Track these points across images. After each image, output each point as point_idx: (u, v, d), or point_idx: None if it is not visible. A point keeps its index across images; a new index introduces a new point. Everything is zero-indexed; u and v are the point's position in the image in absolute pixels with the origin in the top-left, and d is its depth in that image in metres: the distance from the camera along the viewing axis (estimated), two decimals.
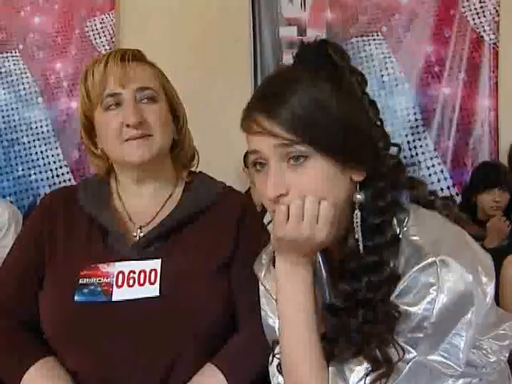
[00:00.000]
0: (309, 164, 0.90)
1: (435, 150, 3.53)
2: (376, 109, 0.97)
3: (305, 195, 0.90)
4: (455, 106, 3.51)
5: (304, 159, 0.90)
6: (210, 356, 1.16)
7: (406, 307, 0.88)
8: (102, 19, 3.73)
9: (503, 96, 3.48)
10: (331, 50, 0.94)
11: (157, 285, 1.16)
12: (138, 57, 1.25)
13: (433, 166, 3.52)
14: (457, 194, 3.44)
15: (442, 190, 3.46)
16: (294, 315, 0.95)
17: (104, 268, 1.19)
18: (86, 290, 1.16)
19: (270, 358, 1.05)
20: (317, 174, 0.90)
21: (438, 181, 3.50)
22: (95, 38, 3.74)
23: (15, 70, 3.79)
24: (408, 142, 3.50)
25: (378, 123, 0.97)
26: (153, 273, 1.17)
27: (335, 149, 0.90)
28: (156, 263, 1.18)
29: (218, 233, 1.24)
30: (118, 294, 1.16)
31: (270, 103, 0.91)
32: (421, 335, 0.87)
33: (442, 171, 3.53)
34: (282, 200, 0.91)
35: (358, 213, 0.93)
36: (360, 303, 0.92)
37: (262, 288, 1.10)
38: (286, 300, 0.96)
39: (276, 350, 1.03)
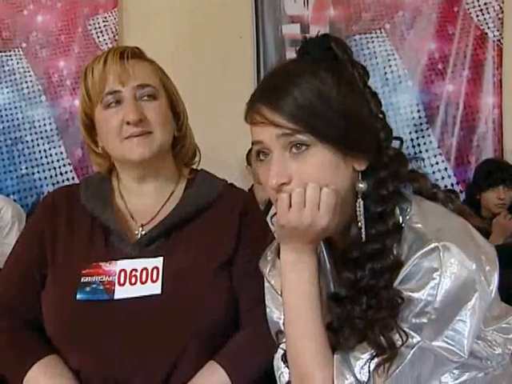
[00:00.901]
0: (310, 153, 0.91)
1: (439, 147, 3.52)
2: (378, 101, 0.98)
3: (306, 183, 0.91)
4: (459, 103, 3.49)
5: (306, 148, 0.91)
6: (213, 353, 1.16)
7: (409, 293, 0.88)
8: (105, 17, 3.73)
9: (507, 93, 3.46)
10: (333, 44, 0.96)
11: (159, 283, 1.16)
12: (137, 54, 1.25)
13: (436, 163, 3.51)
14: (460, 192, 3.42)
15: (445, 187, 3.45)
16: (298, 303, 0.96)
17: (106, 266, 1.19)
18: (88, 289, 1.17)
19: (275, 349, 1.06)
20: (318, 163, 0.91)
21: (442, 178, 3.49)
22: (98, 37, 3.74)
23: (18, 68, 3.80)
24: (411, 140, 3.49)
25: (380, 116, 0.98)
26: (155, 271, 1.17)
27: (336, 138, 0.92)
28: (158, 261, 1.18)
29: (219, 230, 1.23)
30: (120, 293, 1.16)
31: (272, 95, 0.93)
32: (425, 320, 0.88)
33: (445, 169, 3.51)
34: (285, 188, 0.92)
35: (360, 201, 0.94)
36: (363, 290, 0.93)
37: (267, 284, 1.11)
38: (291, 288, 0.97)
39: (281, 340, 1.04)
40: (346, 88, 0.94)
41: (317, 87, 0.92)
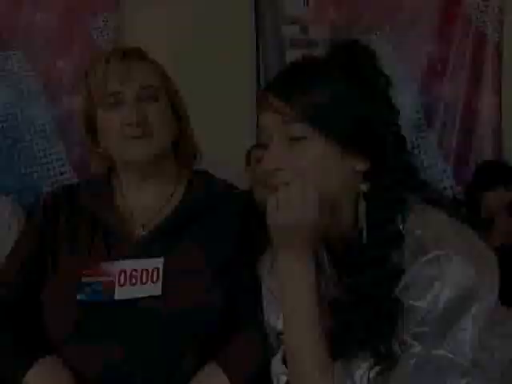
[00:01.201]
0: (308, 144, 0.93)
1: (438, 148, 3.52)
2: (395, 111, 0.99)
3: (292, 180, 0.93)
4: (458, 104, 3.50)
5: (305, 139, 0.93)
6: (213, 355, 1.16)
7: (410, 301, 0.89)
8: (105, 17, 3.73)
9: (506, 95, 3.47)
10: (358, 50, 0.98)
11: (159, 283, 1.16)
12: (139, 54, 1.25)
13: (436, 164, 3.51)
14: (460, 194, 3.42)
15: (445, 189, 3.45)
16: (297, 311, 0.96)
17: (106, 267, 1.19)
18: (88, 289, 1.17)
19: (273, 352, 1.06)
20: (314, 155, 0.93)
21: (441, 180, 3.49)
22: (98, 37, 3.73)
23: (18, 68, 3.79)
24: (411, 141, 3.49)
25: (394, 126, 0.99)
26: (155, 271, 1.17)
27: (336, 133, 0.93)
28: (158, 262, 1.18)
29: (219, 231, 1.23)
30: (121, 293, 1.16)
31: (282, 85, 0.96)
32: (425, 329, 0.88)
33: (444, 170, 3.52)
34: (278, 174, 0.94)
35: (363, 203, 0.95)
36: (364, 298, 0.93)
37: (264, 287, 1.11)
38: (290, 296, 0.97)
39: (279, 343, 1.04)
40: (360, 92, 0.95)
41: (328, 83, 0.95)
